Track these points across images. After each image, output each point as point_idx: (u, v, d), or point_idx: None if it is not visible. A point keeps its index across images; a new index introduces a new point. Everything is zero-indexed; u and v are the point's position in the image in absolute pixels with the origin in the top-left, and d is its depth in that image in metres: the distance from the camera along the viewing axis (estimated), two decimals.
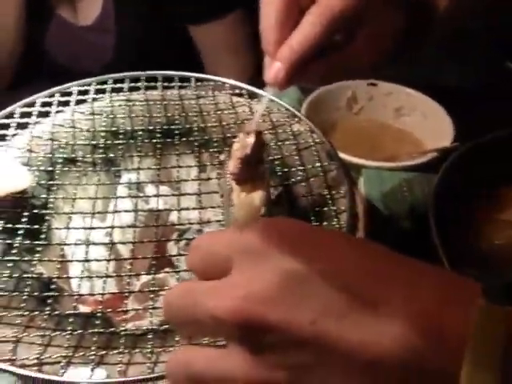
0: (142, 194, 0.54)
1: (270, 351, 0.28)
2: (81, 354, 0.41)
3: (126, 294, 0.46)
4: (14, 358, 0.41)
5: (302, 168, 0.54)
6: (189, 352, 0.32)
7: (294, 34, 0.42)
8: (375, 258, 0.29)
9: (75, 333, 0.42)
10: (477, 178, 0.61)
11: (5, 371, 0.40)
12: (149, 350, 0.41)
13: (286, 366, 0.28)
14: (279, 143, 0.57)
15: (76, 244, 0.49)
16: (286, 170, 0.55)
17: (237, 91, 0.62)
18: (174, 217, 0.54)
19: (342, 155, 0.69)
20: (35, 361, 0.41)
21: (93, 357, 0.41)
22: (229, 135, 0.57)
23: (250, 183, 0.45)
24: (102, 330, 0.42)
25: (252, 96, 0.61)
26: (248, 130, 0.43)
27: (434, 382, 0.26)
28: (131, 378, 0.40)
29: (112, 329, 0.43)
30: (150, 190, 0.56)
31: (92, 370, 0.40)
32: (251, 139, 0.42)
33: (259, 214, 0.47)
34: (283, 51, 0.41)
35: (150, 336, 0.42)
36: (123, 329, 0.43)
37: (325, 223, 0.50)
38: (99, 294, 0.45)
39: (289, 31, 0.42)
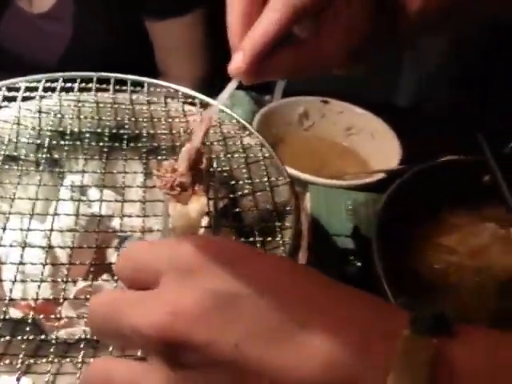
0: (84, 198, 0.53)
1: (190, 369, 0.27)
2: (7, 361, 0.40)
3: (61, 300, 0.44)
4: None
5: (249, 182, 0.54)
6: (111, 363, 0.31)
7: (255, 25, 0.41)
8: (307, 283, 0.29)
9: (3, 339, 0.41)
10: (421, 201, 0.62)
11: None
12: (79, 360, 0.40)
13: None
14: (228, 155, 0.57)
15: (11, 246, 0.47)
16: (233, 182, 0.54)
17: (189, 100, 0.61)
18: (116, 223, 0.53)
19: (289, 170, 0.70)
20: None
21: (19, 365, 0.39)
22: (178, 143, 0.56)
23: (186, 193, 0.45)
24: (31, 337, 0.41)
25: (204, 105, 0.61)
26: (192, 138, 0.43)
27: None
28: None
29: (42, 336, 0.42)
30: (93, 193, 0.55)
31: (18, 379, 0.39)
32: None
33: (198, 225, 0.46)
34: (245, 42, 0.41)
35: (82, 345, 0.41)
36: (54, 336, 0.42)
37: (269, 238, 0.50)
38: (32, 299, 0.44)
39: (253, 23, 0.41)
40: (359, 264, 0.60)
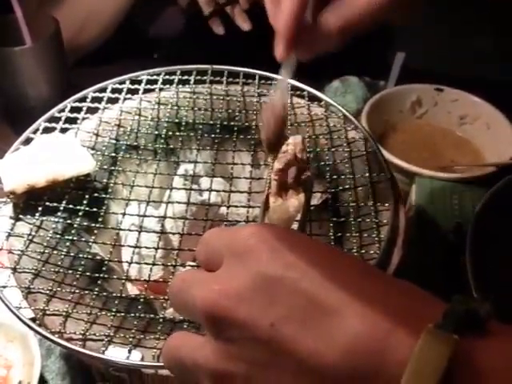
0: (196, 186, 0.57)
1: (232, 344, 0.30)
2: (121, 335, 0.45)
3: (170, 282, 0.49)
4: (63, 331, 0.45)
5: (351, 176, 0.56)
6: (180, 337, 0.35)
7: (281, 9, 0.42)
8: (350, 269, 0.31)
9: (118, 315, 0.46)
10: None
11: (54, 343, 0.45)
12: None
13: (245, 360, 0.30)
14: (333, 149, 0.58)
15: (129, 230, 0.52)
16: (335, 176, 0.56)
17: (298, 92, 0.63)
18: (223, 211, 0.57)
19: (396, 161, 0.71)
20: (80, 336, 0.45)
21: (131, 339, 0.45)
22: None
23: (288, 189, 0.47)
24: (142, 315, 0.46)
25: (312, 98, 0.63)
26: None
27: None
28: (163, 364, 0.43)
29: (151, 315, 0.46)
30: (204, 182, 0.59)
31: (129, 351, 0.44)
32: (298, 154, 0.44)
33: (293, 219, 0.49)
34: (278, 17, 0.42)
35: (185, 325, 0.45)
36: (162, 315, 0.47)
37: (365, 234, 0.51)
38: (144, 280, 0.49)
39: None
40: (456, 259, 0.60)
